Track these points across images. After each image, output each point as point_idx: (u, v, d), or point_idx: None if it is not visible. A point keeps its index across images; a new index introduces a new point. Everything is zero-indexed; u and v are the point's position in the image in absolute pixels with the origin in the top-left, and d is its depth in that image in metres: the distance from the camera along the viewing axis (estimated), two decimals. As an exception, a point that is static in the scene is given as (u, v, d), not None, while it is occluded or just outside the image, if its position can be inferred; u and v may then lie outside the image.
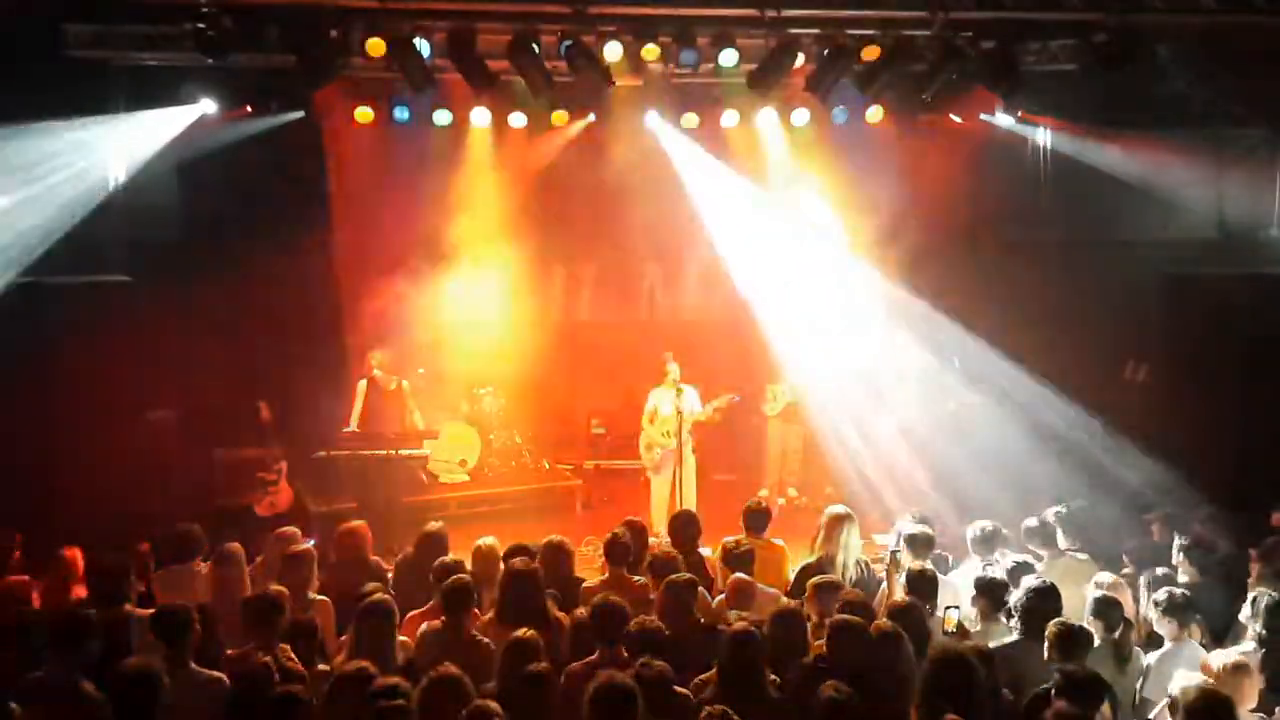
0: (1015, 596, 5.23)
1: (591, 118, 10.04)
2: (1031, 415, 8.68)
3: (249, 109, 9.15)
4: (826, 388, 9.40)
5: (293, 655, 4.82)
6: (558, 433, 11.16)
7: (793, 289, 9.94)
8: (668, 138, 9.89)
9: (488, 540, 6.14)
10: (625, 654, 4.66)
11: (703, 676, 4.60)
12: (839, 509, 6.43)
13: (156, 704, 4.10)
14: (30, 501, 7.32)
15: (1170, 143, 8.90)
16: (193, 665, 4.65)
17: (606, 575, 5.99)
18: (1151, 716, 4.63)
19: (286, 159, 9.54)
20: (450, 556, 5.81)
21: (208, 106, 8.80)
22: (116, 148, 8.64)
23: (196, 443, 9.19)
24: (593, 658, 4.76)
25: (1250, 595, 5.31)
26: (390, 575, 6.28)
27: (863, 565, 6.33)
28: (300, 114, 9.44)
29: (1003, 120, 9.62)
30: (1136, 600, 5.67)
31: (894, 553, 6.15)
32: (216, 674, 4.68)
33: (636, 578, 5.94)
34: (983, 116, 9.78)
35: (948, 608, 5.41)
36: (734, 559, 5.96)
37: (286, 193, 9.73)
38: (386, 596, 5.12)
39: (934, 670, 4.21)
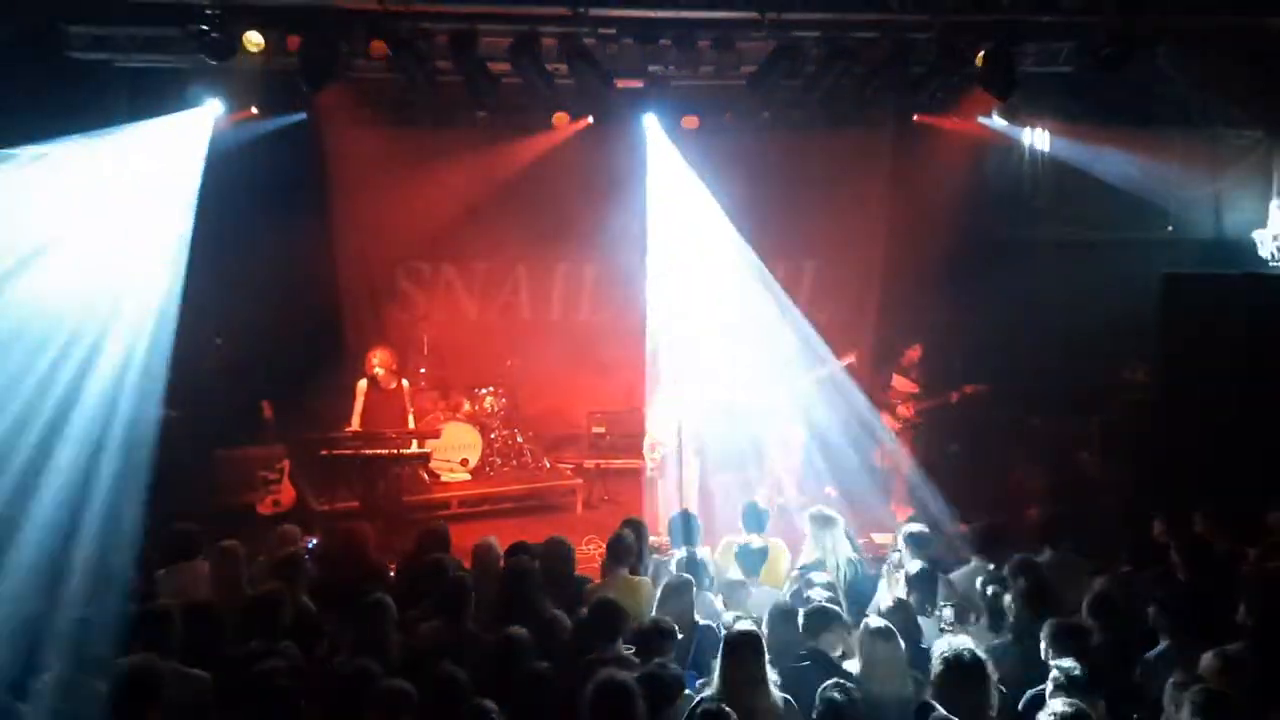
0: (1010, 596, 5.26)
1: (590, 119, 10.08)
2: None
3: (254, 110, 9.18)
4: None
5: (297, 653, 4.86)
6: (558, 432, 11.19)
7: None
8: (661, 141, 9.91)
9: (488, 539, 6.18)
10: (626, 653, 4.69)
11: (703, 680, 4.63)
12: (818, 512, 6.49)
13: (156, 701, 4.12)
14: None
15: (1168, 144, 8.92)
16: (174, 664, 4.66)
17: (608, 575, 6.02)
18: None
19: (288, 159, 9.58)
20: (449, 555, 5.85)
21: (216, 108, 8.83)
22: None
23: (198, 442, 9.23)
24: (593, 656, 4.79)
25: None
26: (391, 574, 6.32)
27: (856, 564, 6.35)
28: (303, 115, 9.48)
29: (1000, 122, 9.64)
30: (1132, 599, 5.69)
31: (895, 552, 6.18)
32: (197, 671, 4.69)
33: (637, 577, 5.98)
34: (980, 119, 9.81)
35: (945, 605, 5.45)
36: (747, 558, 5.98)
37: (288, 192, 9.80)
38: (384, 595, 5.15)
39: (943, 670, 4.23)
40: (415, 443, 8.78)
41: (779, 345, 10.08)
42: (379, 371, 8.85)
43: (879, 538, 8.34)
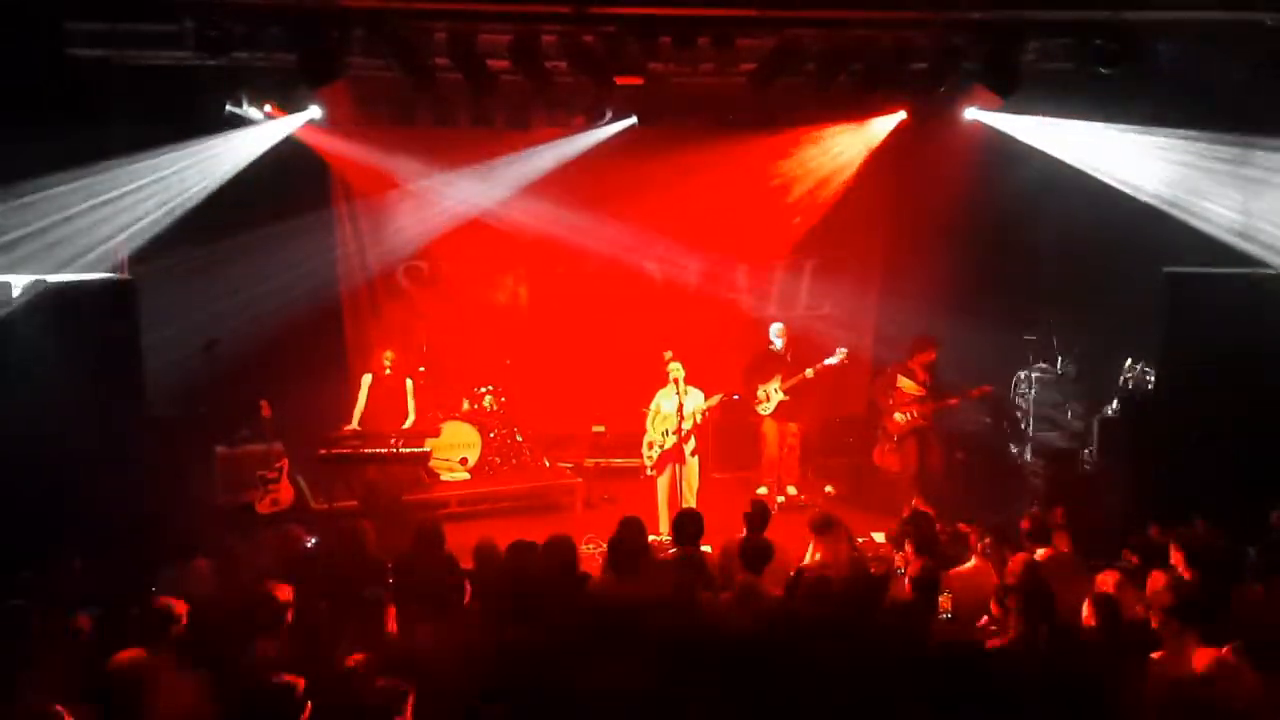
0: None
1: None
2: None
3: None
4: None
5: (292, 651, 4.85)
6: (558, 432, 11.16)
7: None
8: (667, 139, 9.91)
9: (488, 539, 6.16)
10: (626, 654, 4.67)
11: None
12: (820, 516, 6.48)
13: (143, 699, 4.10)
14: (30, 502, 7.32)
15: (1170, 140, 8.87)
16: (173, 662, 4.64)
17: (608, 575, 6.00)
18: None
19: (290, 157, 9.56)
20: (446, 553, 5.84)
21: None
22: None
23: (197, 441, 9.21)
24: (593, 657, 4.77)
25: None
26: (390, 573, 6.30)
27: (856, 564, 6.32)
28: (308, 112, 9.44)
29: (1001, 119, 9.60)
30: (1135, 597, 5.67)
31: (895, 552, 6.17)
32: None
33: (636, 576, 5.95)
34: (982, 111, 9.76)
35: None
36: (752, 557, 5.95)
37: (289, 191, 9.78)
38: (380, 593, 5.13)
39: (949, 667, 4.21)
40: (415, 441, 8.74)
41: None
42: (387, 366, 8.75)
43: (880, 537, 8.33)
